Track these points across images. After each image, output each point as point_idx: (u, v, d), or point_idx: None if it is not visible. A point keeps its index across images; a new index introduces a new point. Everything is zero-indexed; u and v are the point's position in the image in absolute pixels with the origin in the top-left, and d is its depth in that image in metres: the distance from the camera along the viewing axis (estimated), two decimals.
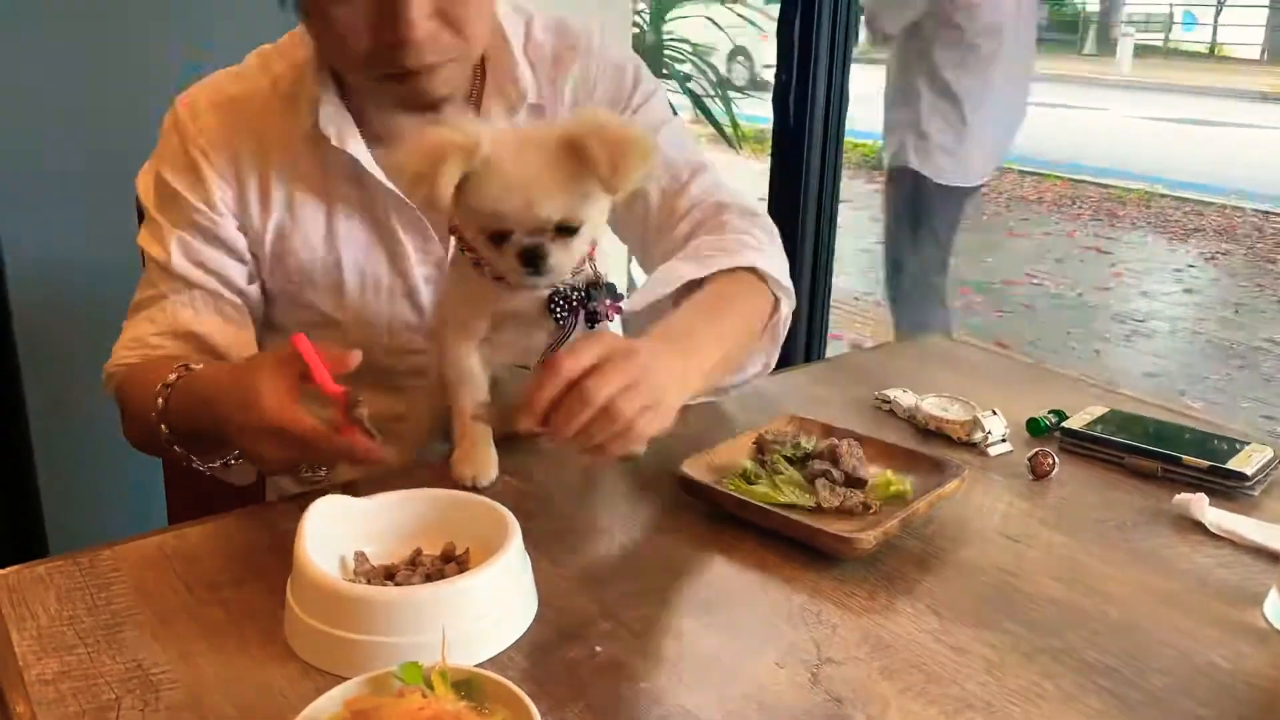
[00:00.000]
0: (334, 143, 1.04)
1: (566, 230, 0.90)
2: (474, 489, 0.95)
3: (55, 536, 2.08)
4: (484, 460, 0.98)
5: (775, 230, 1.14)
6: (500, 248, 0.90)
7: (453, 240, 1.00)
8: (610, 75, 1.13)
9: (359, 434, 0.84)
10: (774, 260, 1.08)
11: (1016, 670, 0.75)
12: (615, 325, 1.01)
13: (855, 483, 0.95)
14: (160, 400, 0.95)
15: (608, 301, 0.96)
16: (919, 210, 3.13)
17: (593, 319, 0.97)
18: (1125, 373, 4.45)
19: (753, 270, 1.05)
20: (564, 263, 0.91)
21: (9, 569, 0.86)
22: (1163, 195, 7.84)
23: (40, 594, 0.83)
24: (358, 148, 1.05)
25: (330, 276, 1.09)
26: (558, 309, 0.95)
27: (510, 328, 0.99)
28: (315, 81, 1.05)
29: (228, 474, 1.00)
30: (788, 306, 1.10)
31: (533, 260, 0.89)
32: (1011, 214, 7.49)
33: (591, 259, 0.97)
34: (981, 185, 3.32)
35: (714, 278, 1.03)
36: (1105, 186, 8.08)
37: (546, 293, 0.95)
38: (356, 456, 0.85)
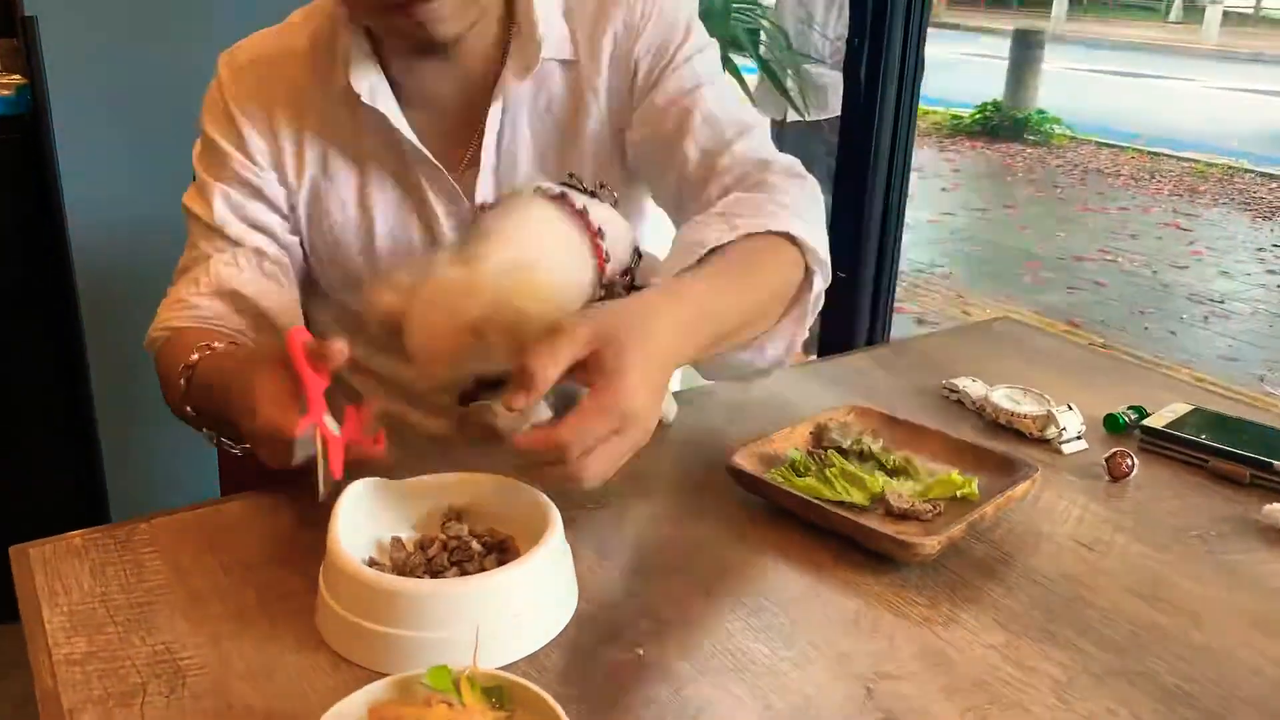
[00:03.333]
0: (365, 99, 1.01)
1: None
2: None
3: (117, 500, 2.10)
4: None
5: (821, 198, 1.02)
6: None
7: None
8: (658, 24, 1.05)
9: (354, 437, 0.78)
10: (814, 229, 0.95)
11: (1088, 694, 0.70)
12: None
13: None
14: (183, 382, 0.93)
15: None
16: None
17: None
18: (1200, 355, 4.29)
19: (787, 236, 0.93)
20: None
21: (45, 541, 0.84)
22: (1247, 171, 7.55)
23: (74, 568, 0.81)
24: (389, 105, 1.02)
25: (362, 238, 1.06)
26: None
27: None
28: (347, 36, 1.01)
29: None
30: (821, 283, 0.96)
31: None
32: (1086, 187, 7.26)
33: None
34: None
35: (742, 239, 0.91)
36: (1186, 160, 7.80)
37: None
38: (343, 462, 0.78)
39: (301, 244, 1.09)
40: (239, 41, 1.08)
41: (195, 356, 0.93)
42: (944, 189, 7.16)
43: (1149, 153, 8.01)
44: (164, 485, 2.13)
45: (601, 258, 0.86)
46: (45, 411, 2.07)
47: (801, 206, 0.96)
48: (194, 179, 1.09)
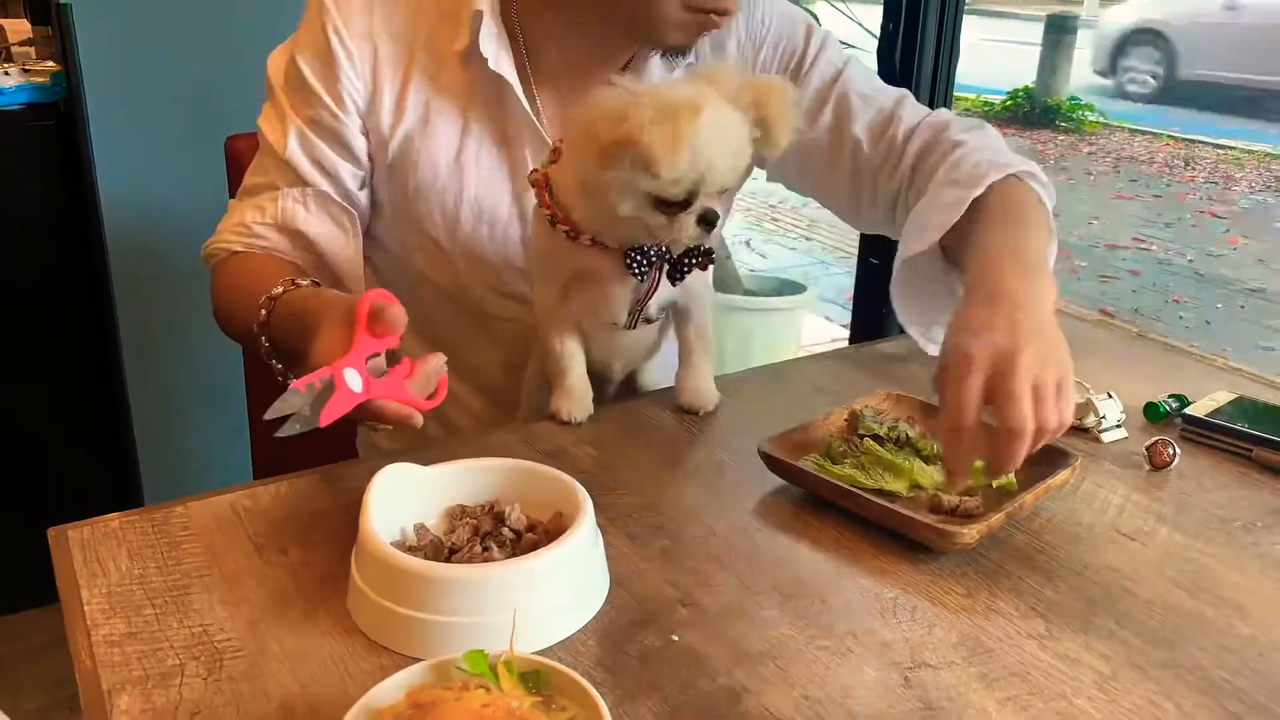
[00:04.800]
0: (490, 65, 0.99)
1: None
2: (569, 424, 0.99)
3: (150, 485, 2.12)
4: (581, 399, 1.00)
5: (1001, 137, 1.07)
6: (669, 211, 0.87)
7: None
8: (780, 27, 1.08)
9: (391, 395, 0.79)
10: (1020, 162, 1.00)
11: (1131, 686, 0.68)
12: (707, 273, 0.98)
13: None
14: (264, 312, 0.92)
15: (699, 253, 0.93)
16: None
17: (676, 274, 0.93)
18: (1237, 345, 4.23)
19: (1011, 177, 0.97)
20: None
21: (83, 523, 0.85)
22: None
23: (113, 550, 0.82)
24: (511, 74, 1.00)
25: (447, 202, 1.04)
26: (635, 266, 0.91)
27: (591, 284, 0.96)
28: None
29: None
30: (1050, 202, 1.00)
31: (710, 223, 0.89)
32: (1119, 175, 7.17)
33: None
34: None
35: (990, 191, 0.95)
36: (1222, 147, 7.67)
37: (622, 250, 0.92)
38: (384, 419, 0.80)
39: (373, 198, 1.07)
40: None
41: (280, 290, 0.92)
42: None
43: (1184, 139, 7.88)
44: (197, 469, 2.15)
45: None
46: (78, 396, 2.08)
47: (999, 148, 1.01)
48: (269, 93, 1.05)
